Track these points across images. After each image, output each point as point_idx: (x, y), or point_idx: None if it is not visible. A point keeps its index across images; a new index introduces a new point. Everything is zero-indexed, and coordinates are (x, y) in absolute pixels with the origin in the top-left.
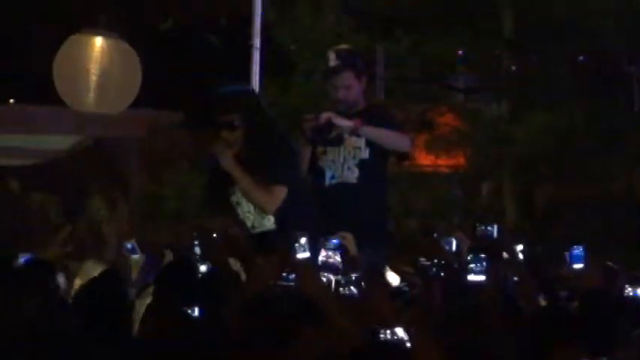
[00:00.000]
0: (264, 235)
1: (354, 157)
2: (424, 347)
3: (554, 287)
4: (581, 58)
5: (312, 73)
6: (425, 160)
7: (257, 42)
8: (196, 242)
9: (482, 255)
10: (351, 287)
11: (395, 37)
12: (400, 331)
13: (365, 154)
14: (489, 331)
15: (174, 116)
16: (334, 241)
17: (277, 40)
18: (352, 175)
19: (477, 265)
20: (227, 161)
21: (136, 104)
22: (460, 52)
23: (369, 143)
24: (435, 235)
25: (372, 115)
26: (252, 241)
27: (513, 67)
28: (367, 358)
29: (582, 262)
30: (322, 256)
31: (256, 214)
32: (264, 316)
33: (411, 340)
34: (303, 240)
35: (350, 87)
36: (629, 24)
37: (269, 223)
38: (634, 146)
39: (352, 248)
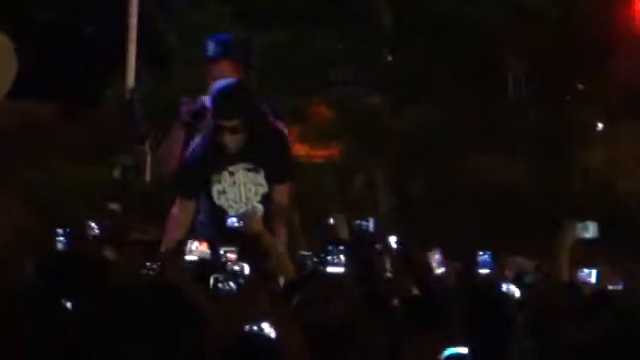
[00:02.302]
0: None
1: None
2: (291, 341)
3: (426, 279)
4: (459, 50)
5: (191, 63)
6: (299, 150)
7: (133, 33)
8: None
9: (341, 247)
10: (230, 283)
11: (273, 29)
12: (267, 326)
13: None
14: (353, 319)
15: (53, 107)
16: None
17: (156, 31)
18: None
19: (334, 258)
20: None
21: (13, 95)
22: (338, 45)
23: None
24: (332, 221)
25: None
26: (231, 230)
27: (390, 59)
28: (232, 353)
29: (489, 268)
30: (190, 248)
31: (243, 204)
32: (129, 304)
33: (278, 334)
34: (193, 246)
35: (228, 76)
36: (506, 17)
37: (232, 223)
38: (509, 139)
39: (256, 225)
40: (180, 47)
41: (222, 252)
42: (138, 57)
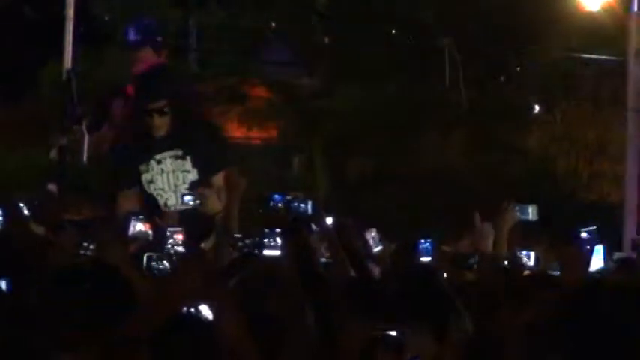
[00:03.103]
0: (182, 213)
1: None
2: (229, 324)
3: (362, 260)
4: (394, 32)
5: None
6: (237, 132)
7: (71, 12)
8: None
9: (277, 230)
10: (164, 262)
11: (209, 9)
12: (205, 309)
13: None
14: (289, 303)
15: None
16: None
17: (92, 11)
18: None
19: (270, 240)
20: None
21: None
22: (273, 25)
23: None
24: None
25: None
26: (165, 217)
27: (326, 41)
28: (167, 335)
29: (429, 256)
30: (132, 227)
31: (171, 192)
32: (67, 286)
33: (216, 316)
34: (136, 227)
35: (150, 62)
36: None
37: (188, 201)
38: (444, 120)
39: (213, 204)
40: (115, 27)
41: (168, 233)
42: (75, 37)
